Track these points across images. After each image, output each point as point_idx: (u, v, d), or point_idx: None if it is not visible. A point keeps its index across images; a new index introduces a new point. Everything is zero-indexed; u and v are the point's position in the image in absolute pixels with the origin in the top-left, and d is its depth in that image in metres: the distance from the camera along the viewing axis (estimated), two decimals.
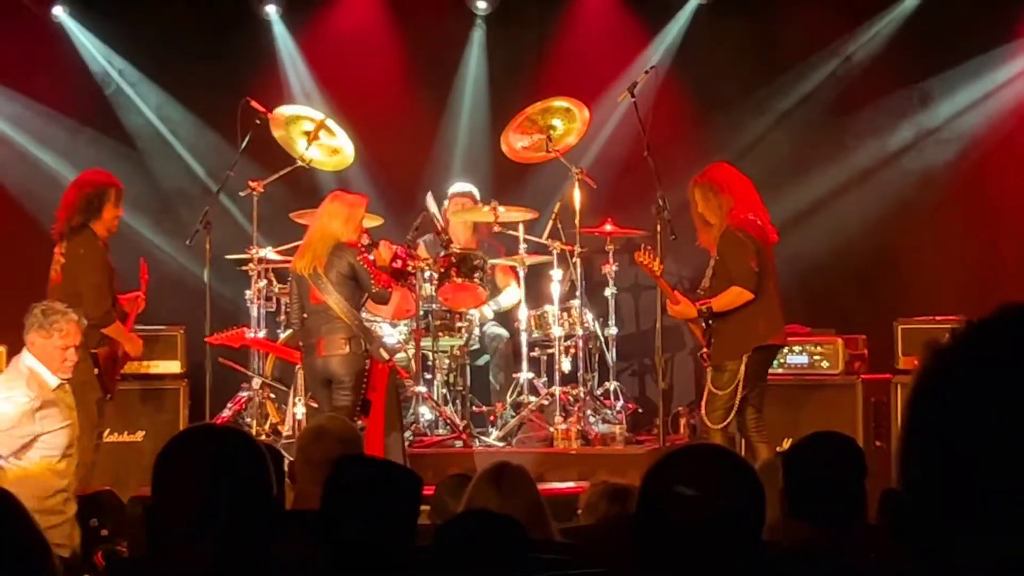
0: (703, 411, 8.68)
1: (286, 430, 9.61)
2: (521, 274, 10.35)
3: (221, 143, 11.51)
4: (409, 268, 9.83)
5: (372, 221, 10.38)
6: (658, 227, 9.31)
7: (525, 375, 10.27)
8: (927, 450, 1.54)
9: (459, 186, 11.11)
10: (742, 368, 8.50)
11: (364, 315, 9.70)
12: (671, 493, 2.72)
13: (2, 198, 12.03)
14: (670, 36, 11.87)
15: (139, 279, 9.48)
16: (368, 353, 8.99)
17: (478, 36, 12.24)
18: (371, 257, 9.25)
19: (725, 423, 8.52)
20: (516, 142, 10.53)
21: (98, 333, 8.88)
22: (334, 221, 9.05)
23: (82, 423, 8.45)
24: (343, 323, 8.93)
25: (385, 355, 9.13)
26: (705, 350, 8.71)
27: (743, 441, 8.81)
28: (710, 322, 8.66)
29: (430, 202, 10.33)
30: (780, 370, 9.74)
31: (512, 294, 10.86)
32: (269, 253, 10.25)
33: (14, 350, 10.59)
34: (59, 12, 12.05)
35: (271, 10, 12.12)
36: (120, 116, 12.26)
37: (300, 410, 9.50)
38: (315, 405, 9.22)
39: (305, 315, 9.10)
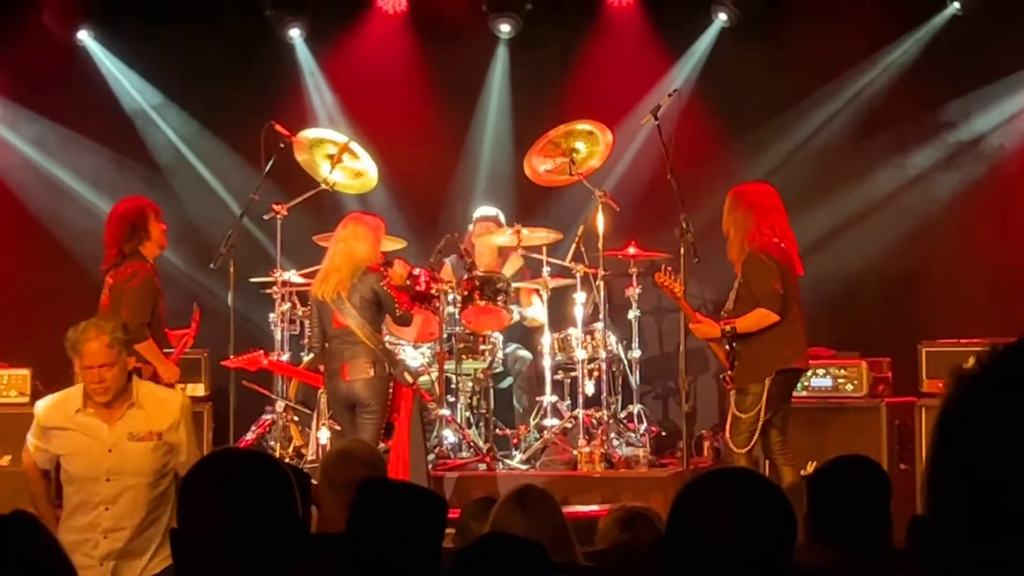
0: (727, 435, 8.66)
1: (309, 454, 9.61)
2: (544, 297, 10.35)
3: (245, 166, 11.54)
4: (432, 291, 9.86)
5: (395, 244, 10.41)
6: (682, 250, 9.30)
7: (548, 398, 10.25)
8: (953, 475, 1.54)
9: (484, 209, 11.12)
10: (765, 391, 8.48)
11: (388, 338, 9.72)
12: (701, 517, 2.71)
13: (28, 223, 12.08)
14: (693, 59, 11.89)
15: (190, 320, 9.42)
16: (392, 376, 9.00)
17: (501, 59, 12.27)
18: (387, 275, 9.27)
19: (749, 446, 8.49)
20: (539, 165, 10.55)
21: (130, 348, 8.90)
22: (361, 245, 9.07)
23: None
24: (366, 347, 8.94)
25: (409, 378, 9.14)
26: (729, 372, 8.69)
27: (767, 464, 8.78)
28: (733, 344, 8.64)
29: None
30: (804, 393, 9.72)
31: (538, 309, 10.83)
32: (293, 276, 10.28)
33: (38, 372, 10.70)
34: (84, 36, 12.11)
35: (295, 33, 12.17)
36: (144, 139, 12.33)
37: (324, 434, 9.49)
38: (338, 428, 9.22)
39: (327, 340, 9.11)
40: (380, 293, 9.00)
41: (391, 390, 8.98)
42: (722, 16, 11.70)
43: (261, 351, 9.84)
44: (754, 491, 2.80)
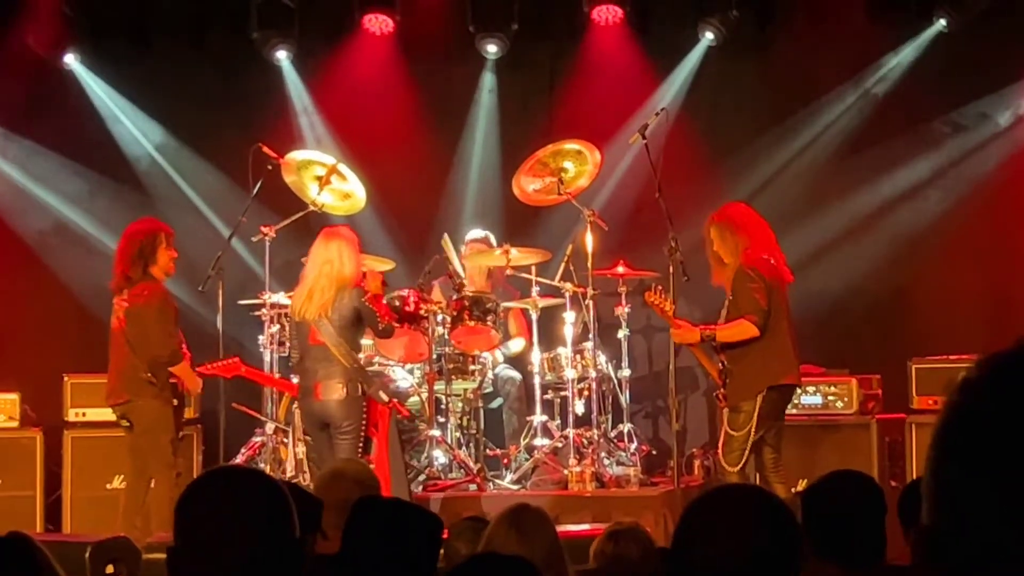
0: (720, 453, 8.66)
1: (289, 470, 9.56)
2: (534, 317, 10.35)
3: (233, 189, 11.51)
4: (421, 311, 9.86)
5: (384, 265, 10.40)
6: (670, 268, 9.32)
7: (539, 418, 10.25)
8: (960, 483, 1.54)
9: (475, 232, 11.10)
10: (757, 408, 8.48)
11: (376, 359, 9.72)
12: (708, 533, 2.70)
13: (16, 247, 12.04)
14: (680, 78, 11.90)
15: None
16: (365, 395, 8.97)
17: (488, 79, 12.27)
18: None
19: (741, 464, 8.49)
20: (527, 185, 10.54)
21: (167, 371, 9.06)
22: (347, 265, 9.04)
23: (155, 464, 9.06)
24: (341, 366, 8.91)
25: (384, 397, 9.10)
26: (721, 390, 8.69)
27: (758, 481, 8.76)
28: (724, 362, 8.65)
29: (447, 244, 10.40)
30: (794, 410, 9.70)
31: (518, 343, 10.91)
32: (281, 298, 10.25)
33: (27, 397, 10.68)
34: (71, 60, 12.08)
35: (281, 55, 12.16)
36: (132, 163, 12.30)
37: (301, 449, 9.44)
38: (310, 439, 9.19)
39: (303, 356, 9.08)
40: (362, 309, 8.98)
41: (365, 408, 8.96)
42: (708, 35, 11.71)
43: (238, 358, 9.79)
44: (760, 507, 2.79)
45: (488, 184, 12.13)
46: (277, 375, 10.16)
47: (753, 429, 8.47)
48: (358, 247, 9.24)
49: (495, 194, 11.94)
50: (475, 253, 10.82)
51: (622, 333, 10.50)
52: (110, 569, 7.46)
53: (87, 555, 7.30)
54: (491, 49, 12.08)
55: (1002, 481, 1.50)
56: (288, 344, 9.60)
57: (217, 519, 2.77)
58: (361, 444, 8.93)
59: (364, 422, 8.93)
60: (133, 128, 12.30)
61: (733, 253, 8.64)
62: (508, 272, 10.57)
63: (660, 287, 9.00)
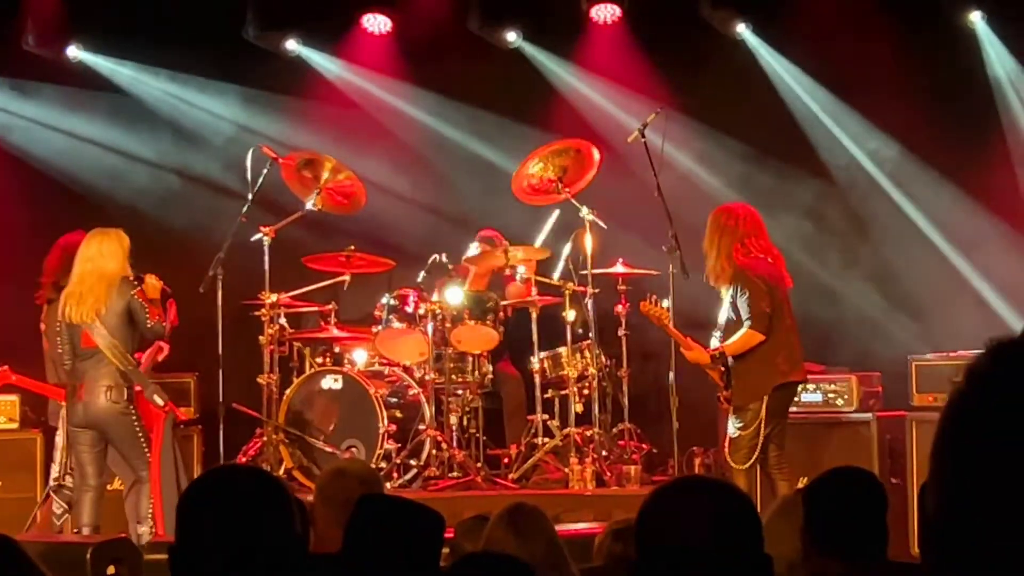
0: (726, 452, 8.67)
1: (54, 472, 9.38)
2: (533, 315, 10.33)
3: (234, 187, 11.47)
4: (420, 311, 9.89)
5: (383, 265, 10.41)
6: (670, 267, 9.32)
7: (539, 416, 10.24)
8: (976, 473, 1.53)
9: (484, 232, 11.01)
10: (764, 407, 8.49)
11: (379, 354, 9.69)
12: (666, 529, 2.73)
13: (23, 254, 12.03)
14: (681, 76, 11.86)
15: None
16: (133, 400, 8.90)
17: (504, 71, 12.23)
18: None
19: (749, 463, 8.50)
20: (527, 183, 10.53)
21: None
22: (110, 262, 8.91)
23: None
24: (112, 369, 8.81)
25: (160, 400, 9.01)
26: (725, 392, 8.71)
27: (760, 478, 8.77)
28: (728, 365, 8.67)
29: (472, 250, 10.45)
30: (795, 408, 9.69)
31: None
32: (282, 298, 10.25)
33: (28, 398, 10.66)
34: (75, 51, 12.03)
35: (292, 45, 12.15)
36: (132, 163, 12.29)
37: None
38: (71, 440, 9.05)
39: (76, 358, 8.95)
40: (131, 303, 8.84)
41: (134, 414, 8.87)
42: (741, 27, 11.73)
43: (7, 367, 9.72)
44: (713, 499, 2.83)
45: (487, 183, 12.08)
46: (276, 374, 10.15)
47: (762, 426, 8.48)
48: (125, 245, 9.02)
49: (495, 192, 11.89)
50: (478, 251, 10.74)
51: (622, 331, 10.48)
52: (111, 570, 7.45)
53: (88, 556, 7.30)
54: (511, 37, 12.08)
55: (1007, 470, 1.49)
56: (60, 349, 9.11)
57: (219, 517, 2.77)
58: (145, 443, 8.84)
59: (137, 421, 8.85)
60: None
61: (724, 251, 8.64)
62: (507, 272, 10.53)
63: (654, 296, 9.00)
